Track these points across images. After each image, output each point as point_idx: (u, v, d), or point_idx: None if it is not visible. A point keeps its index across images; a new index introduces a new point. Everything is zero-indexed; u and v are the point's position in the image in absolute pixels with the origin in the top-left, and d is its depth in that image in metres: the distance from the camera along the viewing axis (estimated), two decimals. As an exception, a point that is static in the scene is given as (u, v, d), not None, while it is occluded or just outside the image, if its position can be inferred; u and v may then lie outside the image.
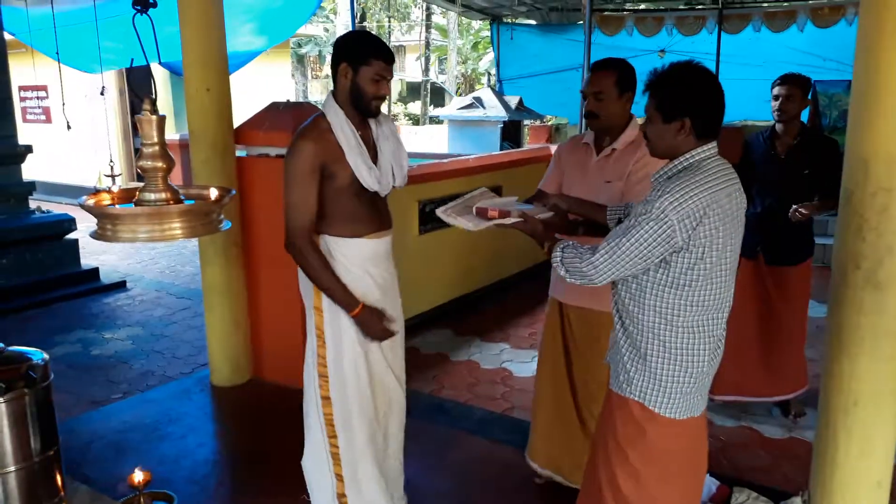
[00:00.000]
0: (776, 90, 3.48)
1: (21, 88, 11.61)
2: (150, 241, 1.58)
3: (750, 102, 9.97)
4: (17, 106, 10.66)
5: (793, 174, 3.53)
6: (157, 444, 3.37)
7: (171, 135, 9.58)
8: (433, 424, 3.48)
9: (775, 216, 3.51)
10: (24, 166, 6.41)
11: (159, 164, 1.64)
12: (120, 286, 6.36)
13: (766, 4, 10.14)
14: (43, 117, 12.04)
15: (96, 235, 1.59)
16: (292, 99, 5.27)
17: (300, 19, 7.25)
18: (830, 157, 3.50)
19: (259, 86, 12.24)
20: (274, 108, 3.87)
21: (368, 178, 2.30)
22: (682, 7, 10.51)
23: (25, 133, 8.80)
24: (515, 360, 4.45)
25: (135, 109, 11.11)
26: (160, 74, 10.43)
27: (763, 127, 3.72)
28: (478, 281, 5.66)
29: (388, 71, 2.27)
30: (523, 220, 2.08)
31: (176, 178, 9.07)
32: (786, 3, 9.93)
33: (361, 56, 2.24)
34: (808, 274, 3.65)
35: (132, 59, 1.70)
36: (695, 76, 1.84)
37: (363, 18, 23.46)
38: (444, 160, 5.47)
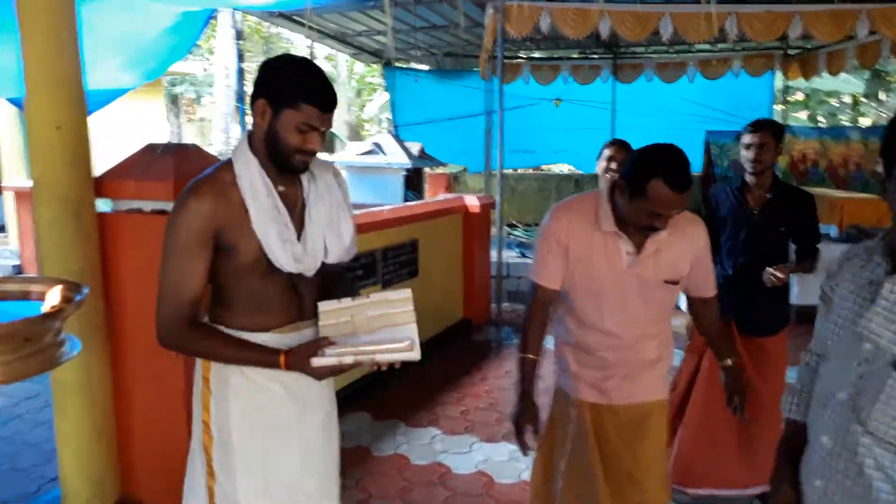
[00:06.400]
0: (748, 138, 3.08)
1: None
2: None
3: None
4: None
5: (768, 232, 3.13)
6: None
7: (25, 181, 8.16)
8: (368, 558, 2.71)
9: (749, 279, 3.08)
10: None
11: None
12: (-56, 370, 5.08)
13: (656, 56, 10.31)
14: None
15: None
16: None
17: (175, 55, 6.41)
18: (807, 213, 3.15)
19: (128, 128, 11.04)
20: (150, 150, 3.03)
21: (281, 254, 1.65)
22: (576, 56, 10.51)
23: None
24: (451, 451, 3.74)
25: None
26: (6, 110, 9.05)
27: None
28: (394, 350, 4.91)
29: (322, 121, 1.62)
30: None
31: (28, 237, 7.62)
32: (675, 55, 10.13)
33: (287, 95, 1.59)
34: (785, 344, 3.24)
35: None
36: None
37: (241, 59, 22.38)
38: (354, 212, 4.74)
